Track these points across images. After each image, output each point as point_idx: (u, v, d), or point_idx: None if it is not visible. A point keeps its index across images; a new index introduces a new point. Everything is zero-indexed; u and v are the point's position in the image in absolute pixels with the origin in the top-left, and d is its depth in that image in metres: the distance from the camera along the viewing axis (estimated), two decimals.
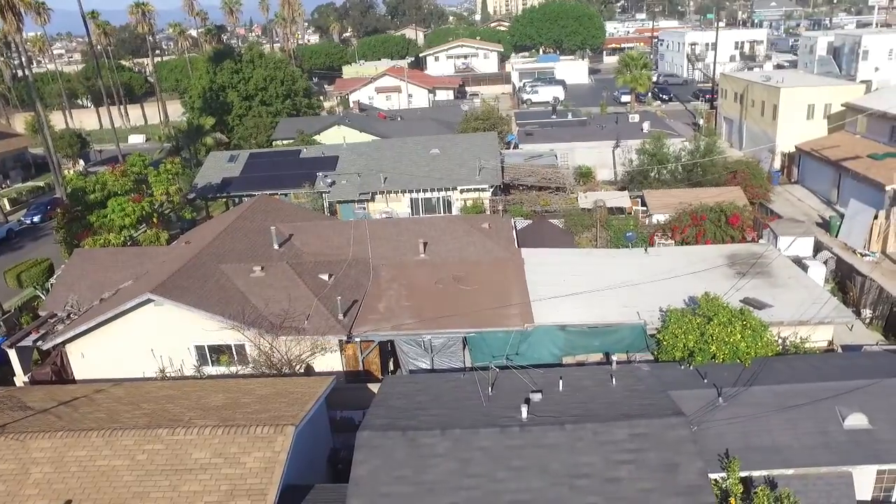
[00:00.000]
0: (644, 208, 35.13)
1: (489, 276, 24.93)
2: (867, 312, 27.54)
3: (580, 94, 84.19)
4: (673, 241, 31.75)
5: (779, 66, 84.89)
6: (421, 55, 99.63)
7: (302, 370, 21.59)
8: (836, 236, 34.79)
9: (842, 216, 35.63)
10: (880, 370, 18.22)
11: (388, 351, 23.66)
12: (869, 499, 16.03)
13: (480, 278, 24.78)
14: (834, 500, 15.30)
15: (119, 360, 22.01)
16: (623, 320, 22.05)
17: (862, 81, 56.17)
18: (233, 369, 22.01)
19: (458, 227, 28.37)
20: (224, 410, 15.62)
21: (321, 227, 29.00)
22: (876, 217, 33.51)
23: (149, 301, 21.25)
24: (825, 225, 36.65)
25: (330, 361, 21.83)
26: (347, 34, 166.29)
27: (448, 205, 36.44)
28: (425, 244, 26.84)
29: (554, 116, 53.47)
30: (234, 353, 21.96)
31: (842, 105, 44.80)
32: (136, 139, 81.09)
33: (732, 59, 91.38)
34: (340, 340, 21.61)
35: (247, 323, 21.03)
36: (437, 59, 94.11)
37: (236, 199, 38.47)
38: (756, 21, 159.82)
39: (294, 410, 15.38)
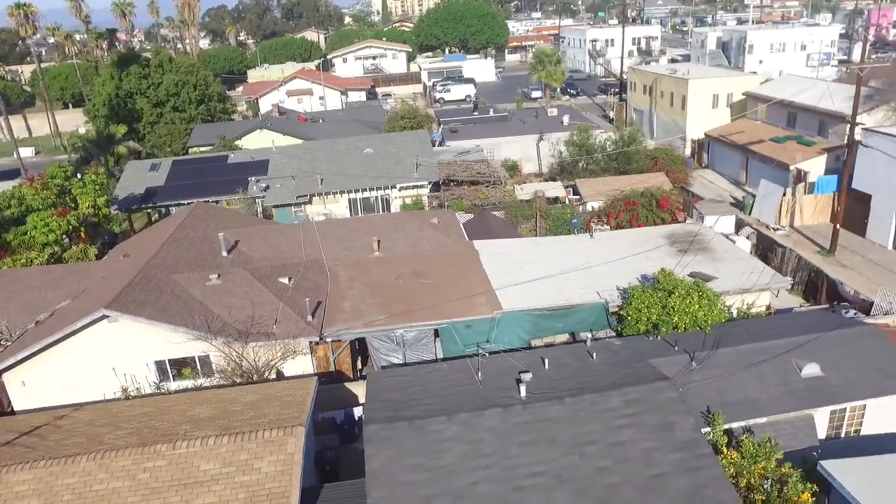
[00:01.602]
0: (577, 197, 36.55)
1: (448, 269, 25.23)
2: (789, 279, 30.03)
3: (489, 91, 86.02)
4: (609, 226, 33.27)
5: (673, 60, 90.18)
6: (329, 57, 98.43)
7: (273, 376, 21.05)
8: (750, 213, 37.63)
9: (753, 195, 38.56)
10: (819, 326, 20.09)
11: (356, 349, 23.53)
12: (824, 437, 17.67)
13: (439, 271, 25.04)
14: (800, 441, 16.83)
15: (67, 384, 20.57)
16: (585, 301, 23.01)
17: (751, 73, 60.75)
18: (197, 382, 21.14)
19: (409, 224, 28.51)
20: (218, 420, 15.08)
21: (268, 232, 28.30)
22: (784, 195, 36.56)
23: (102, 318, 20.04)
24: (738, 204, 39.55)
25: (300, 365, 21.42)
26: (242, 37, 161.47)
27: (387, 203, 36.42)
28: (379, 242, 26.78)
29: (476, 113, 54.47)
30: (199, 364, 21.11)
31: (743, 94, 48.47)
32: (25, 152, 75.13)
33: (630, 54, 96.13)
34: (311, 342, 21.26)
35: (213, 332, 20.27)
36: (345, 60, 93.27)
37: (163, 210, 36.71)
38: (645, 18, 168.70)
39: (293, 412, 15.08)
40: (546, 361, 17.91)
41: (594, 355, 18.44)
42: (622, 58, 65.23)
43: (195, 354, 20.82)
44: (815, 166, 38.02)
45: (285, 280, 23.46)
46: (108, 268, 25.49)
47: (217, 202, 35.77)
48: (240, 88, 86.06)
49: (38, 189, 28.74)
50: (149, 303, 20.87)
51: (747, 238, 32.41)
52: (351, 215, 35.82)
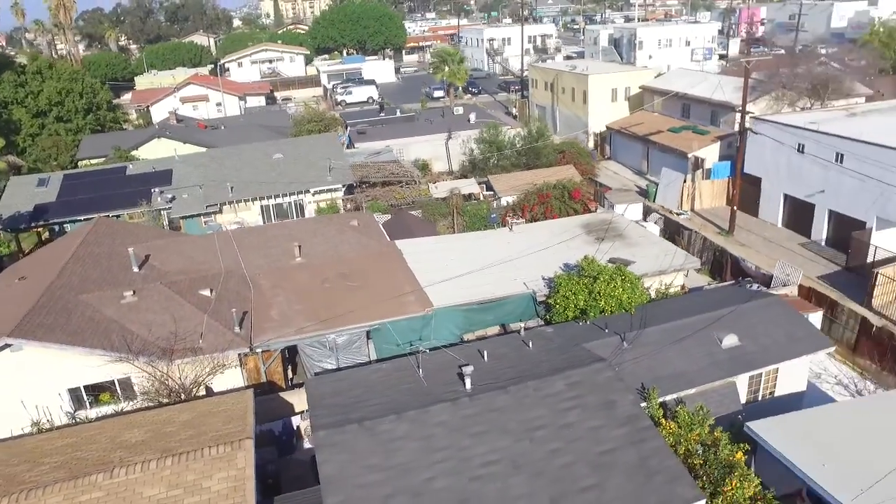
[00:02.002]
0: (492, 193, 37.16)
1: (373, 270, 25.00)
2: (698, 260, 31.91)
3: (391, 92, 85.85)
4: (524, 220, 34.04)
5: (568, 58, 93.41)
6: (223, 62, 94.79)
7: (202, 393, 20.08)
8: (654, 200, 39.68)
9: (656, 183, 40.68)
10: (731, 300, 21.44)
11: (286, 358, 22.86)
12: (744, 401, 18.92)
13: (365, 273, 24.76)
14: (726, 407, 17.99)
15: None
16: (513, 292, 23.46)
17: (644, 67, 63.90)
18: (118, 407, 19.83)
19: (329, 227, 28.01)
20: (154, 443, 14.20)
21: (180, 244, 26.95)
22: (685, 181, 38.81)
23: (3, 347, 18.40)
24: (643, 192, 41.59)
25: (230, 379, 20.56)
26: (123, 42, 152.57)
27: (301, 209, 35.55)
28: (299, 247, 26.12)
29: (382, 114, 54.19)
30: (119, 388, 19.81)
31: (639, 88, 50.98)
32: None
33: (528, 52, 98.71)
34: (240, 354, 20.45)
35: (134, 352, 19.08)
36: (240, 64, 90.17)
37: (56, 228, 34.10)
38: (536, 17, 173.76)
39: (235, 426, 14.46)
40: (485, 354, 18.09)
41: (530, 344, 18.80)
42: (522, 56, 66.87)
43: (114, 378, 19.54)
44: (710, 153, 40.58)
45: (207, 292, 22.43)
46: (2, 293, 23.40)
47: (118, 216, 33.70)
48: (127, 96, 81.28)
49: None
50: (58, 327, 19.37)
51: (655, 223, 34.12)
52: (264, 223, 34.71)
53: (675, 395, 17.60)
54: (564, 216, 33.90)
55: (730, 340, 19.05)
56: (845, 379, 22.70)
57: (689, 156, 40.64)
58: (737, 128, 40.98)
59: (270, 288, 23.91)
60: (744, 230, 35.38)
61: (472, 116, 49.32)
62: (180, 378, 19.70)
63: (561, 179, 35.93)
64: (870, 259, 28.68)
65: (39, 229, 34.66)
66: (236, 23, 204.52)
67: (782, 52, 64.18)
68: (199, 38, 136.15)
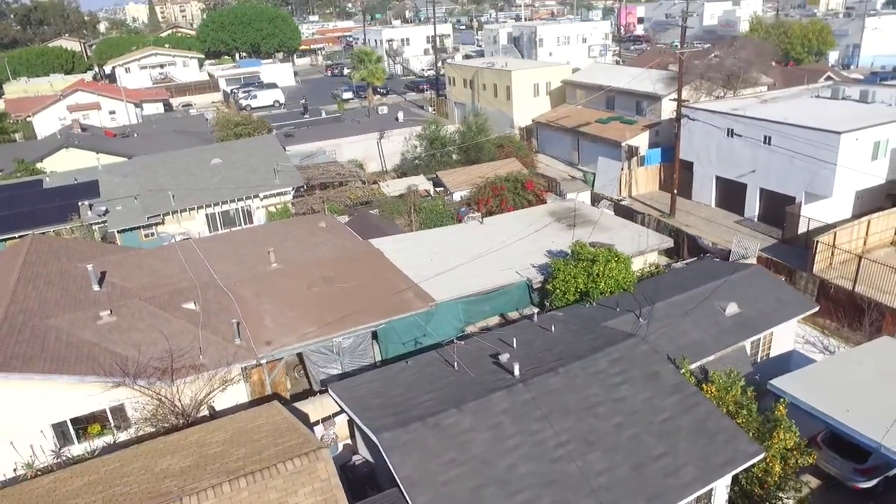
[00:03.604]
0: (442, 188, 36.99)
1: (359, 270, 24.13)
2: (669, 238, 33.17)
3: (294, 95, 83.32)
4: (479, 213, 34.15)
5: (468, 56, 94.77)
6: (109, 67, 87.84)
7: (206, 413, 18.52)
8: (593, 188, 41.06)
9: (593, 173, 42.13)
10: (719, 273, 22.61)
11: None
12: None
13: (351, 274, 23.85)
14: (739, 368, 18.87)
15: None
16: (509, 281, 23.45)
17: (563, 63, 65.77)
18: (107, 439, 17.87)
19: (298, 231, 26.77)
20: (207, 466, 12.90)
21: (139, 258, 24.71)
22: (622, 169, 40.44)
23: None
24: (579, 181, 42.91)
25: (233, 395, 19.10)
26: None
27: (248, 215, 33.67)
28: (272, 253, 24.72)
29: (307, 116, 52.47)
30: (111, 417, 17.84)
31: (561, 82, 52.53)
32: None
33: (426, 51, 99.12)
34: (243, 367, 19.04)
35: (131, 375, 17.26)
36: (128, 70, 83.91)
37: None
38: (420, 18, 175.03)
39: (293, 439, 13.43)
40: (514, 341, 17.97)
41: (552, 328, 18.88)
42: (436, 55, 67.08)
43: (106, 406, 17.57)
44: (641, 142, 42.52)
45: (191, 305, 20.69)
46: None
47: (42, 234, 30.35)
48: None
49: None
50: (34, 355, 17.18)
51: (606, 209, 35.31)
52: (210, 231, 32.58)
53: (698, 363, 18.28)
54: (519, 207, 34.41)
55: (732, 309, 20.06)
56: (811, 338, 24.54)
57: (623, 144, 42.39)
58: (664, 116, 43.65)
59: (254, 297, 22.43)
60: (682, 211, 37.35)
61: (401, 115, 48.93)
62: (179, 398, 18.06)
63: (511, 172, 36.41)
64: (802, 230, 31.17)
65: None
66: (103, 27, 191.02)
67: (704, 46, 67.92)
68: (66, 43, 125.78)
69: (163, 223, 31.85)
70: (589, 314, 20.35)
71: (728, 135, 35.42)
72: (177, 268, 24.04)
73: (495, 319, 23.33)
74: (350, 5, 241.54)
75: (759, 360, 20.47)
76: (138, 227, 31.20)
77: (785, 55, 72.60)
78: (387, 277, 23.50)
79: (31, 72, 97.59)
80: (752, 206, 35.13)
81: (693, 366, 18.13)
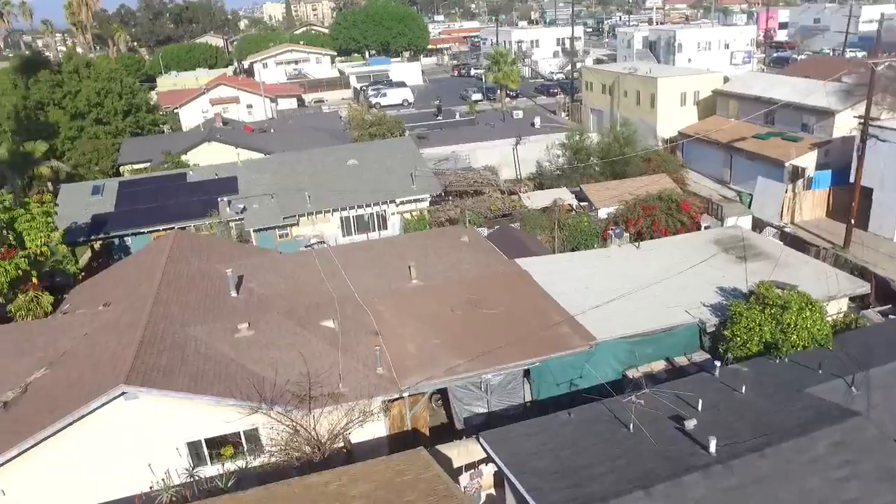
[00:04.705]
0: (586, 204, 34.18)
1: (505, 295, 21.96)
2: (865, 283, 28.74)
3: (422, 95, 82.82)
4: (628, 234, 31.10)
5: (598, 60, 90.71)
6: (247, 62, 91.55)
7: (342, 444, 16.97)
8: (752, 211, 36.75)
9: (750, 194, 37.81)
10: None
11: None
12: None
13: (498, 298, 21.71)
14: None
15: (66, 486, 15.63)
16: (677, 321, 20.48)
17: (713, 71, 60.94)
18: (240, 463, 16.70)
19: (440, 244, 24.98)
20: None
21: (277, 263, 23.83)
22: (786, 191, 35.93)
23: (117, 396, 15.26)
24: (736, 202, 38.64)
25: (370, 427, 17.45)
26: (131, 44, 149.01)
27: (383, 220, 32.45)
28: (413, 268, 23.03)
29: (440, 118, 51.14)
30: (245, 441, 16.67)
31: (712, 91, 48.12)
32: None
33: (556, 54, 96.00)
34: (385, 401, 17.33)
35: (269, 401, 15.95)
36: (265, 65, 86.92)
37: (116, 241, 30.87)
38: (547, 20, 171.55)
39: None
40: (699, 403, 15.09)
41: (742, 388, 15.82)
42: (572, 59, 64.01)
43: (240, 430, 16.39)
44: (807, 162, 37.68)
45: (329, 323, 19.32)
46: (87, 322, 20.19)
47: (183, 228, 30.51)
48: (152, 96, 77.79)
49: None
50: (175, 369, 16.25)
51: (772, 237, 31.22)
52: (344, 235, 31.61)
53: None
54: (672, 230, 31.14)
55: None
56: None
57: (787, 164, 37.75)
58: (836, 134, 38.49)
59: (393, 316, 20.80)
60: (857, 244, 32.44)
61: (537, 121, 46.41)
62: (316, 429, 16.59)
63: (663, 190, 33.06)
64: None
65: (92, 243, 31.42)
66: (243, 24, 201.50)
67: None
68: (211, 39, 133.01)
69: (297, 224, 31.20)
70: (782, 374, 17.02)
71: None
72: (314, 276, 22.90)
73: (660, 364, 20.40)
74: (474, 6, 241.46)
75: None
76: (274, 227, 30.69)
77: None
78: (538, 306, 21.16)
79: (180, 66, 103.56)
80: None
81: None
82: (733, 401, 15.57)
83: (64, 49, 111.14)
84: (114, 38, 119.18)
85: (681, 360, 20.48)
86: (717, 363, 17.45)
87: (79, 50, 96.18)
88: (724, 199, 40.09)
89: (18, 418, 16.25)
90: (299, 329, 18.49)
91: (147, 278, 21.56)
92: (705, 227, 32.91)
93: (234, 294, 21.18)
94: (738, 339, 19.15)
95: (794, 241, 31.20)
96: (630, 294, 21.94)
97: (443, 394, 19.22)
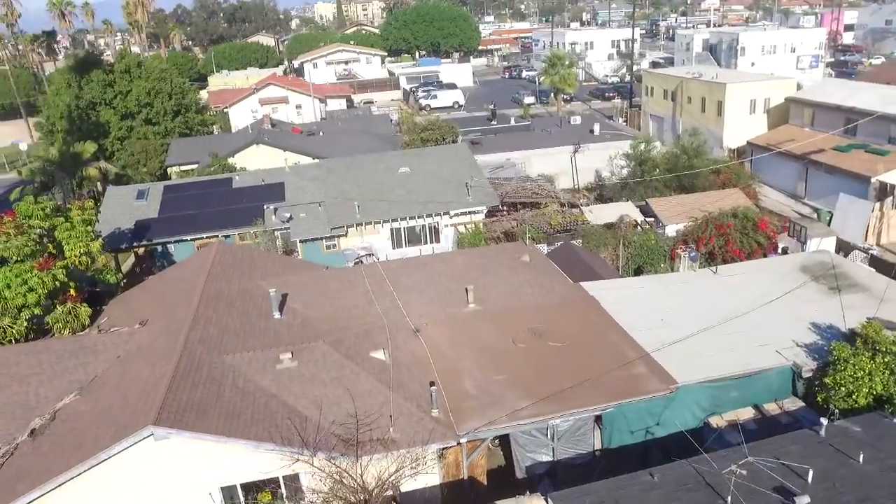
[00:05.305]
0: (652, 219, 31.76)
1: (572, 325, 19.89)
2: None
3: (473, 97, 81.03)
4: (697, 253, 28.61)
5: (655, 63, 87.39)
6: (296, 62, 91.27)
7: (390, 493, 15.20)
8: (832, 230, 33.70)
9: (829, 211, 34.80)
10: None
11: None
12: None
13: (563, 328, 19.66)
14: None
15: None
16: (767, 364, 18.09)
17: (785, 77, 57.53)
18: None
19: (499, 263, 23.01)
20: None
21: (322, 281, 22.23)
22: (873, 210, 32.82)
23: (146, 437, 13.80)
24: (814, 220, 35.59)
25: (421, 476, 15.62)
26: (186, 43, 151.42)
27: (435, 233, 30.66)
28: (470, 290, 21.13)
29: (494, 122, 49.12)
30: (283, 487, 15.05)
31: (785, 99, 44.95)
32: None
33: (610, 57, 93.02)
34: (441, 448, 15.49)
35: (312, 447, 14.28)
36: (315, 65, 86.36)
37: (159, 248, 29.88)
38: (599, 22, 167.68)
39: None
40: (809, 474, 12.79)
41: (859, 457, 13.42)
42: (631, 62, 61.21)
43: (279, 475, 14.77)
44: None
45: (380, 354, 17.60)
46: (121, 342, 18.93)
47: (227, 237, 29.33)
48: (200, 96, 78.03)
49: (12, 233, 21.78)
50: (209, 406, 14.73)
51: (861, 262, 28.31)
52: (394, 248, 29.96)
53: None
54: (747, 251, 28.54)
55: None
56: None
57: (873, 180, 34.59)
58: None
59: (449, 346, 18.96)
60: None
61: (597, 127, 43.99)
62: (360, 477, 14.84)
63: (737, 207, 30.41)
64: None
65: (136, 249, 30.51)
66: (294, 24, 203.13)
67: None
68: (263, 39, 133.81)
69: (346, 235, 29.66)
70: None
71: None
72: (362, 297, 21.24)
73: (747, 411, 18.04)
74: (524, 6, 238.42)
75: None
76: (321, 238, 29.23)
77: None
78: (609, 338, 19.04)
79: (231, 65, 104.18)
80: None
81: None
82: (850, 472, 13.20)
83: (123, 48, 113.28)
84: (168, 38, 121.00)
85: (771, 408, 18.09)
86: (823, 420, 15.06)
87: (135, 49, 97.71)
88: (799, 216, 37.09)
89: (44, 451, 15.03)
90: (347, 363, 16.79)
91: (186, 296, 20.23)
92: (782, 249, 30.23)
93: (277, 315, 19.66)
94: (843, 388, 16.68)
95: (878, 265, 28.22)
96: (712, 328, 19.62)
97: (502, 436, 17.30)
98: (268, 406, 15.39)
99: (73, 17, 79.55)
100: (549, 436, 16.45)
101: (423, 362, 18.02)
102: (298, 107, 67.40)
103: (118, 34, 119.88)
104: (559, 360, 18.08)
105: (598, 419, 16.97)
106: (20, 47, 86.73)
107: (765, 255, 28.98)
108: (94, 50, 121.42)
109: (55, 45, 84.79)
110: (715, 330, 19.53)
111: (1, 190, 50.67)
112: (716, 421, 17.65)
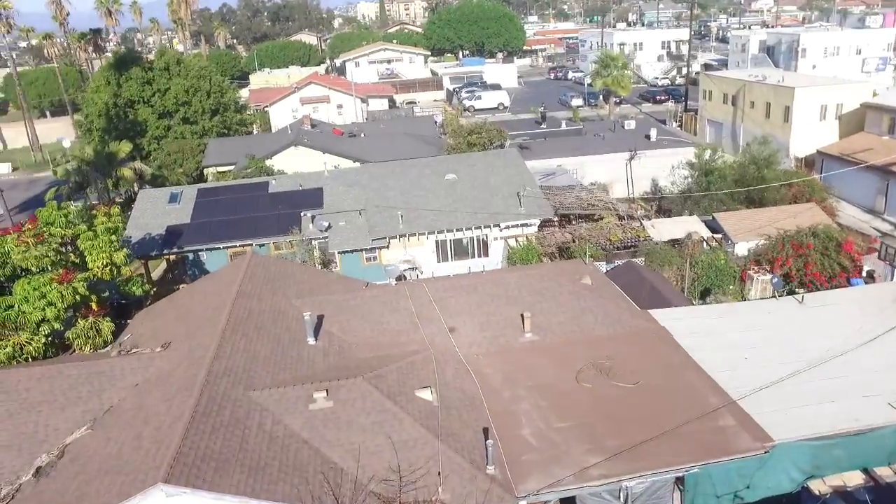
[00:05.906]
0: (720, 236, 28.99)
1: (643, 361, 17.50)
2: None
3: (517, 98, 78.46)
4: (772, 276, 25.78)
5: (708, 66, 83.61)
6: (339, 61, 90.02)
7: None
8: None
9: None
10: None
11: None
12: None
13: (633, 364, 17.28)
14: None
15: None
16: (879, 418, 15.39)
17: (859, 81, 53.96)
18: None
19: (559, 287, 20.63)
20: None
21: (362, 301, 20.16)
22: None
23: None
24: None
25: None
26: (230, 41, 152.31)
27: (484, 246, 28.43)
28: (526, 317, 18.87)
29: (544, 126, 46.70)
30: None
31: (861, 105, 41.51)
32: (0, 168, 66.07)
33: (660, 58, 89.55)
34: None
35: None
36: (357, 64, 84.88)
37: (190, 256, 28.33)
38: (646, 22, 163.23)
39: None
40: None
41: None
42: (688, 63, 57.98)
43: None
44: None
45: (426, 394, 15.46)
46: (140, 368, 17.17)
47: (262, 246, 27.61)
48: (242, 94, 77.22)
49: (30, 243, 20.29)
50: (231, 457, 12.79)
51: None
52: (438, 261, 27.85)
53: None
54: (828, 274, 25.66)
55: None
56: None
57: None
58: None
59: (504, 383, 16.75)
60: None
61: (653, 133, 41.22)
62: None
63: (815, 224, 27.46)
64: None
65: (168, 258, 29.04)
66: (336, 23, 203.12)
67: None
68: (305, 38, 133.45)
69: (387, 247, 27.66)
70: None
71: None
72: (406, 321, 19.17)
73: (855, 476, 15.42)
74: (566, 6, 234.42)
75: None
76: (361, 250, 27.29)
77: None
78: (686, 381, 16.59)
79: (273, 63, 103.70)
80: None
81: None
82: None
83: (168, 46, 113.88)
84: (213, 36, 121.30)
85: (884, 472, 15.48)
86: None
87: (179, 47, 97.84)
88: (881, 234, 33.82)
89: (46, 497, 13.31)
90: (390, 405, 14.69)
91: (213, 315, 18.41)
92: (867, 273, 27.20)
93: (311, 341, 17.72)
94: None
95: None
96: (806, 371, 16.97)
97: (567, 498, 14.99)
98: (298, 455, 13.39)
99: (119, 15, 79.27)
100: (621, 499, 14.08)
101: (475, 403, 15.84)
102: (339, 106, 65.84)
103: (166, 32, 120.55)
104: (630, 405, 15.72)
105: (678, 480, 14.54)
106: (69, 45, 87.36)
107: (848, 280, 26.07)
108: (142, 48, 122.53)
109: (101, 43, 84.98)
110: (810, 373, 16.88)
111: (42, 188, 50.35)
112: (817, 486, 15.13)
